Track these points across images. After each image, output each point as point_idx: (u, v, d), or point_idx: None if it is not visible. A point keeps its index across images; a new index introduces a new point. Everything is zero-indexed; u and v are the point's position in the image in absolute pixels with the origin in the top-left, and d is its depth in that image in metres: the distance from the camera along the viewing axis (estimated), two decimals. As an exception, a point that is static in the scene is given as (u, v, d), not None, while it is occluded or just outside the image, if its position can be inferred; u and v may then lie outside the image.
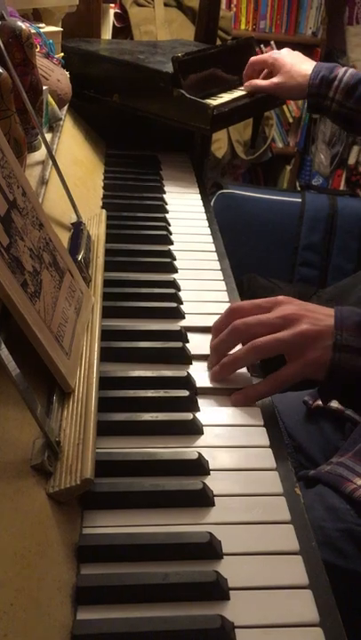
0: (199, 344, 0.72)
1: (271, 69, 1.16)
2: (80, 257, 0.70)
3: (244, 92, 1.19)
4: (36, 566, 0.42)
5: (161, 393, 0.63)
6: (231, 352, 0.68)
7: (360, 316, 0.65)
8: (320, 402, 0.88)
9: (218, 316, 0.79)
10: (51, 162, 0.81)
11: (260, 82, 1.17)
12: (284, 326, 0.64)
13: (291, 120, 2.87)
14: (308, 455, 0.87)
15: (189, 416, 0.61)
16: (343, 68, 1.10)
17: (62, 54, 1.13)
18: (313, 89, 1.09)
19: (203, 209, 1.08)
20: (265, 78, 1.18)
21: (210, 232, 1.00)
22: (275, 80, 1.14)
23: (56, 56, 1.05)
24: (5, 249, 0.50)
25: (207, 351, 0.71)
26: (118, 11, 2.16)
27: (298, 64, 1.13)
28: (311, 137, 2.90)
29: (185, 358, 0.70)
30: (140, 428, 0.59)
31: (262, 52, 1.29)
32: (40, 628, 0.39)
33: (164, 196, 1.10)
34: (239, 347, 0.68)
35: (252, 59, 1.19)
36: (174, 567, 0.47)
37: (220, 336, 0.68)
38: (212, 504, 0.53)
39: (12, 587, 0.39)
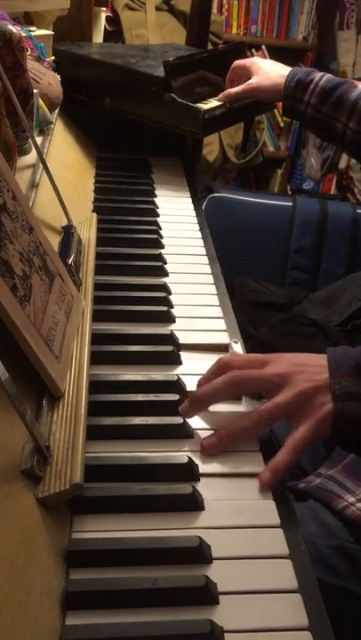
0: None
1: (249, 73, 1.14)
2: (70, 260, 0.70)
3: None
4: (25, 571, 0.41)
5: (151, 397, 0.63)
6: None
7: (355, 359, 0.61)
8: None
9: (208, 312, 0.80)
10: (41, 165, 0.80)
11: (232, 90, 1.14)
12: (281, 385, 0.60)
13: (282, 124, 2.87)
14: (296, 463, 0.87)
15: (179, 420, 0.61)
16: (320, 73, 1.07)
17: (53, 58, 1.13)
18: (289, 92, 1.07)
19: (194, 212, 1.08)
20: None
21: (201, 236, 1.00)
22: (251, 81, 1.11)
23: (47, 59, 1.05)
24: (-5, 253, 0.50)
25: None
26: (110, 14, 2.16)
27: (275, 67, 1.12)
28: (302, 141, 2.91)
29: (175, 362, 0.70)
30: (130, 432, 0.59)
31: (253, 57, 1.29)
32: (28, 634, 0.39)
33: (155, 199, 1.10)
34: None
35: (235, 62, 1.17)
36: (164, 572, 0.47)
37: (213, 385, 0.62)
38: (202, 508, 0.53)
39: (0, 592, 0.39)
